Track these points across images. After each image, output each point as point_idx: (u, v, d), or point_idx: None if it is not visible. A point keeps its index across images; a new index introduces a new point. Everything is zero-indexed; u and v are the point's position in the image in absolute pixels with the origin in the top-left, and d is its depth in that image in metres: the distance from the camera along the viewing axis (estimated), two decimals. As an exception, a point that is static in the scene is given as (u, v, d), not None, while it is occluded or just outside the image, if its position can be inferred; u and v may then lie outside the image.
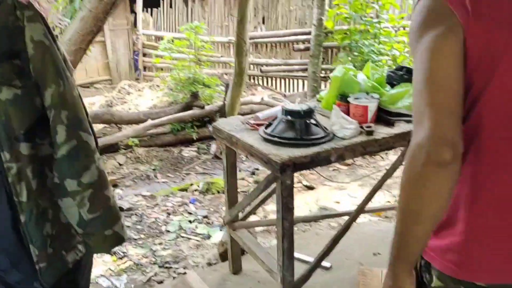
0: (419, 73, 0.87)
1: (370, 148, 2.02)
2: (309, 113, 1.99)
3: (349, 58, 5.44)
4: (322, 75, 6.12)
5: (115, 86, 10.00)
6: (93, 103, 6.65)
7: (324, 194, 3.82)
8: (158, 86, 6.60)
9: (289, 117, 1.99)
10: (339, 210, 3.49)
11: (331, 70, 6.35)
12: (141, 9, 9.03)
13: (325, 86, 6.43)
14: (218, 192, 3.94)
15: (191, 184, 4.10)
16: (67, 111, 1.17)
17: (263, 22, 8.12)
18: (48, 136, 1.18)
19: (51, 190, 1.21)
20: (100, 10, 3.88)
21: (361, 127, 2.07)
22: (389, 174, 2.37)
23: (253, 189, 2.22)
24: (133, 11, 10.40)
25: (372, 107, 2.14)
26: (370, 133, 2.03)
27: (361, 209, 2.33)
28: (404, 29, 5.75)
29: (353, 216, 2.31)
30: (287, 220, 1.92)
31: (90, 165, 1.19)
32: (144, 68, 9.43)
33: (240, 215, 2.46)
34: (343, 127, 2.03)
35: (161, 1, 8.94)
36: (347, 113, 2.22)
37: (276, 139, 1.95)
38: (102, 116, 4.67)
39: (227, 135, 2.17)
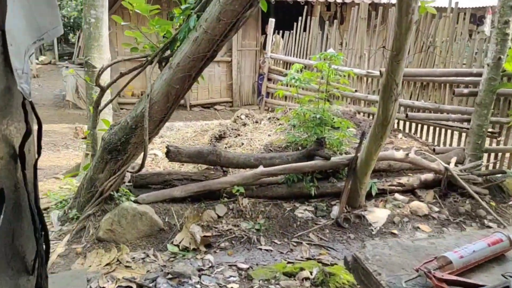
0: None
1: None
2: None
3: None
4: (489, 130, 4.65)
5: (235, 109, 9.51)
6: (206, 130, 6.02)
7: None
8: (277, 119, 5.73)
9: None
10: None
11: (502, 125, 4.85)
12: (272, 30, 8.35)
13: (490, 145, 4.93)
14: (338, 289, 2.84)
15: (302, 268, 3.06)
16: None
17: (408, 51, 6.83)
18: None
19: None
20: (217, 31, 3.10)
21: None
22: None
23: None
24: (264, 32, 9.86)
25: None
26: None
27: None
28: None
29: None
30: None
31: None
32: (267, 93, 8.72)
33: None
34: None
35: (295, 24, 8.17)
36: None
37: None
38: (206, 157, 3.90)
39: (386, 296, 1.10)
